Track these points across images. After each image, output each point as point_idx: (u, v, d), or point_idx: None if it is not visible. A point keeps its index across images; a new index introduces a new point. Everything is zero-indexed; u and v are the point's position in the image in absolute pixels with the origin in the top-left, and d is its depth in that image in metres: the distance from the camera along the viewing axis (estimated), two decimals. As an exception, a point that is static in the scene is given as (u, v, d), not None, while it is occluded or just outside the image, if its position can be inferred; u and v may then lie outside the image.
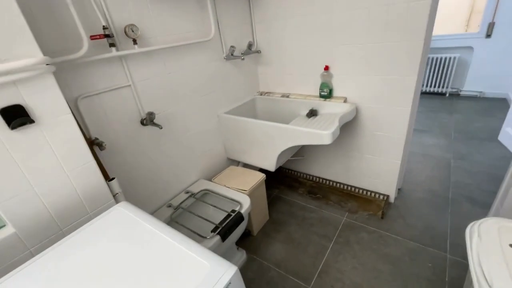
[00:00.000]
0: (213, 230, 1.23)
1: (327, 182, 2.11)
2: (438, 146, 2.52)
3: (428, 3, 1.24)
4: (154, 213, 1.44)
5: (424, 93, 3.92)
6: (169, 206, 1.47)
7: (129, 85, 1.21)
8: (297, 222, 1.79)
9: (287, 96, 1.89)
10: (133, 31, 1.13)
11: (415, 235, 1.58)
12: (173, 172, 1.53)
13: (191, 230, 1.24)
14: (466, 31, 4.24)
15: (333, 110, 1.69)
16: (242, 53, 1.75)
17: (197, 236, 1.21)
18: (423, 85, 3.86)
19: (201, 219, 1.33)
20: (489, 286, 0.73)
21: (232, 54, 1.68)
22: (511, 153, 2.24)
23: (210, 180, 1.69)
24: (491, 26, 3.18)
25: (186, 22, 1.42)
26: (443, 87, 3.74)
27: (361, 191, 1.95)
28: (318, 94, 1.77)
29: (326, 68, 1.66)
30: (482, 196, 1.81)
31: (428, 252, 1.47)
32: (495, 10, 3.10)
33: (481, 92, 3.53)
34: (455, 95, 3.72)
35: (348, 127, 1.78)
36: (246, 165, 1.92)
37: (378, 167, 1.79)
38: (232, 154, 1.88)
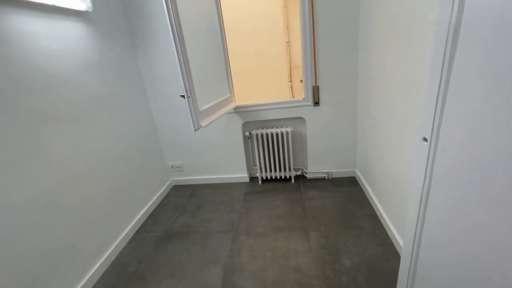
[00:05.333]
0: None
1: None
2: None
3: None
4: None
5: (265, 182, 2.71)
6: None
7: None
8: None
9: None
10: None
11: None
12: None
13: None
14: (293, 97, 3.53)
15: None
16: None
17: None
18: (261, 170, 2.65)
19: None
20: None
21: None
22: None
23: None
24: (316, 90, 2.32)
25: None
26: (284, 170, 2.64)
27: None
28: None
29: None
30: None
31: None
32: (315, 71, 2.26)
33: (328, 172, 2.62)
34: (302, 178, 2.70)
35: None
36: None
37: None
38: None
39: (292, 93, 3.79)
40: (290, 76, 3.74)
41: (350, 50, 2.17)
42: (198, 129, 1.76)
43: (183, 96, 1.72)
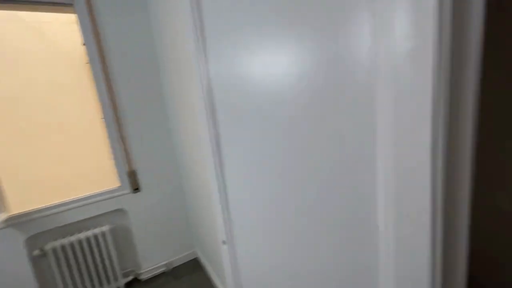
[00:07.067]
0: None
1: None
2: None
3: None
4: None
5: (80, 309, 1.91)
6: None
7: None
8: None
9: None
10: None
11: None
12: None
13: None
14: (109, 187, 2.99)
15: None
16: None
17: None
18: (70, 297, 1.85)
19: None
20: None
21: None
22: None
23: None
24: (133, 176, 2.03)
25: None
26: (109, 282, 2.00)
27: None
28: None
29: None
30: None
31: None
32: (127, 155, 1.99)
33: (167, 263, 2.25)
34: (135, 282, 2.14)
35: None
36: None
37: None
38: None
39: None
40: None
41: (163, 131, 2.13)
42: None
43: None
